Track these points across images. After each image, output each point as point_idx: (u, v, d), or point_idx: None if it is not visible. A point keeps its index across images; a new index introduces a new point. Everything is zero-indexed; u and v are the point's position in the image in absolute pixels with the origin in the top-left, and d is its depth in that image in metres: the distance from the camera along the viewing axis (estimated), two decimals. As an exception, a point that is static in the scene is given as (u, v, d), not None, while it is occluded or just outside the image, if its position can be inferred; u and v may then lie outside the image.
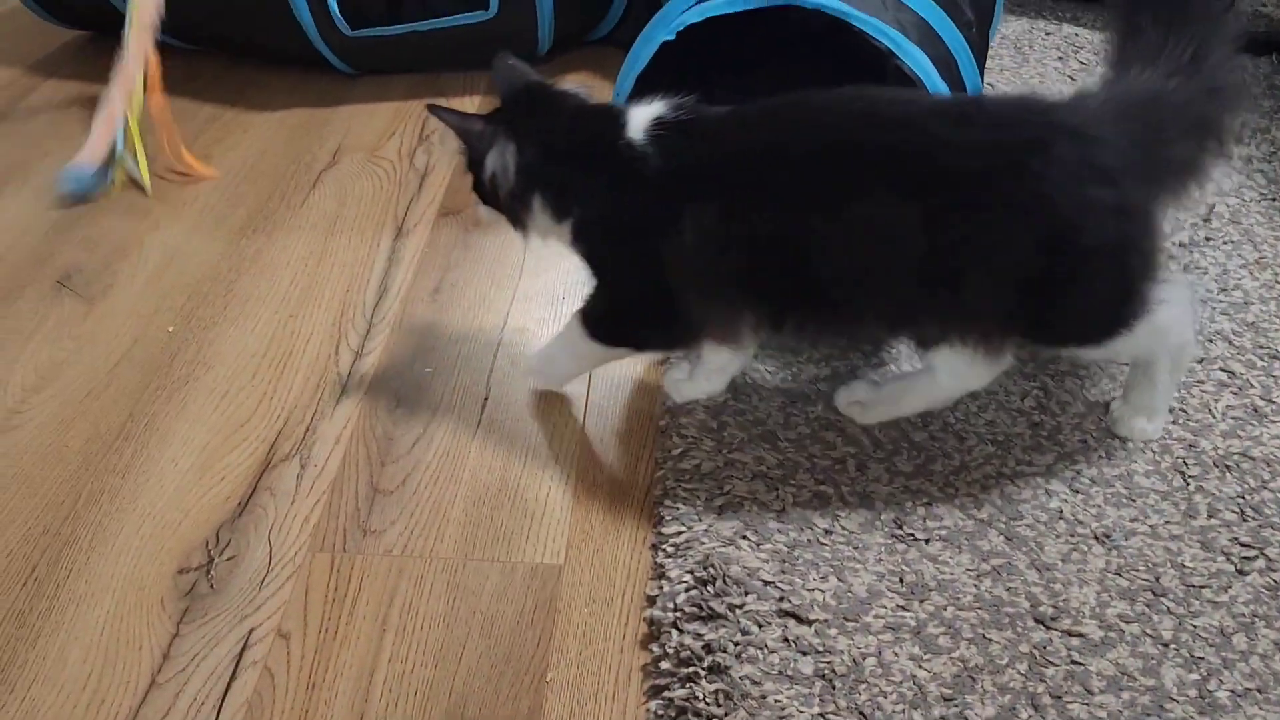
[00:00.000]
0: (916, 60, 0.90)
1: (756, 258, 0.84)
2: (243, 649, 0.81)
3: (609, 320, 0.95)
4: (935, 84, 0.89)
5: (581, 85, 0.93)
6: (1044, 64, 1.60)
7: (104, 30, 1.67)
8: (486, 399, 1.04)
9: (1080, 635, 0.78)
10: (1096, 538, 0.86)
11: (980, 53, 1.06)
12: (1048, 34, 1.69)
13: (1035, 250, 0.78)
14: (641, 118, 0.86)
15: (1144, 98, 0.81)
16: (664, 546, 0.87)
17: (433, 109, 0.91)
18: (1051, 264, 0.78)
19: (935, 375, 0.91)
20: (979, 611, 0.80)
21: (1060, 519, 0.88)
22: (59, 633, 0.82)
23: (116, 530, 0.90)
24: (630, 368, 1.07)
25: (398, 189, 1.36)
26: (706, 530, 0.87)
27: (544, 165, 0.89)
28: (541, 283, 1.19)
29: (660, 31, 0.98)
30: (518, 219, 0.93)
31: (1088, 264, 0.79)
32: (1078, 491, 0.90)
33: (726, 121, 0.86)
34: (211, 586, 0.86)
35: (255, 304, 1.15)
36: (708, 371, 0.97)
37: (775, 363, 1.04)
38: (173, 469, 0.96)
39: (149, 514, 0.92)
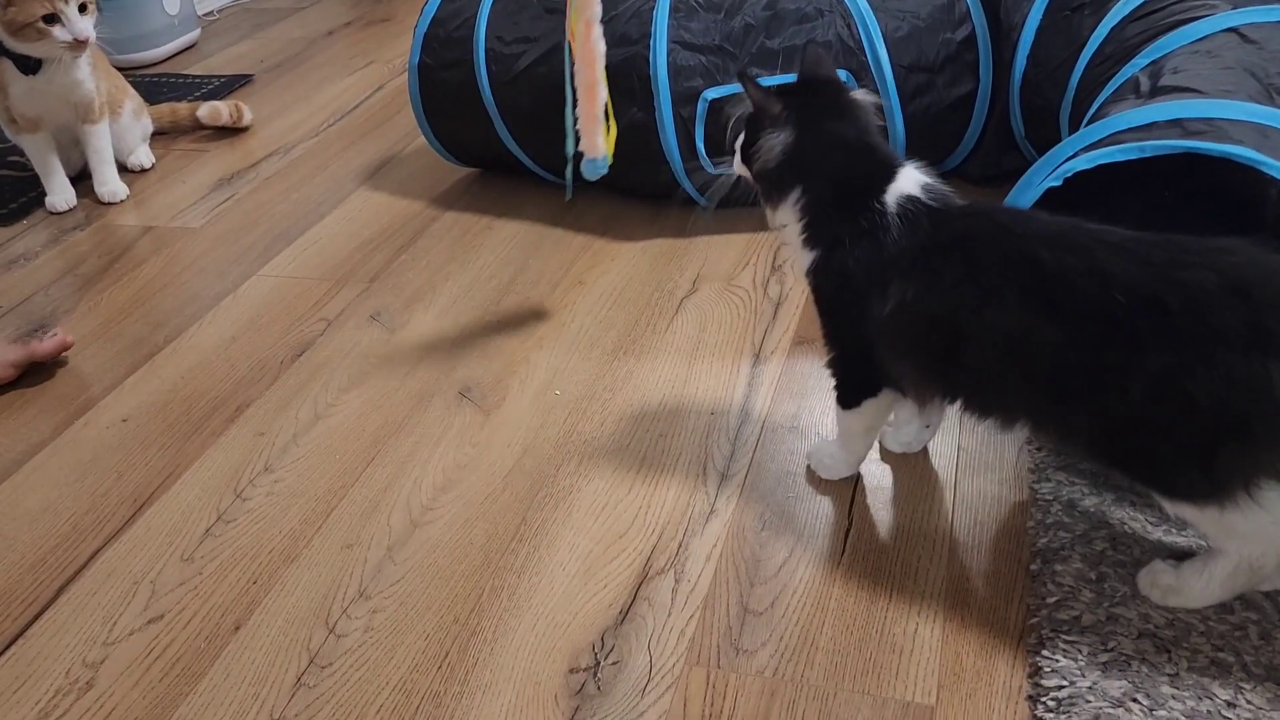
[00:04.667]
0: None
1: (935, 338, 0.92)
2: (629, 753, 0.86)
3: (839, 380, 1.06)
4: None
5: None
6: None
7: (492, 168, 1.90)
8: (849, 529, 1.06)
9: None
10: None
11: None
12: None
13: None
14: (902, 186, 0.95)
15: None
16: (1044, 700, 0.84)
17: (743, 76, 1.00)
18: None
19: (1223, 551, 0.88)
20: None
21: None
22: (469, 717, 0.91)
23: (515, 625, 0.99)
24: (993, 508, 1.07)
25: (753, 317, 1.44)
26: (1091, 688, 0.84)
27: (812, 195, 0.99)
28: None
29: (1044, 176, 0.99)
30: (768, 202, 1.03)
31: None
32: None
33: (958, 215, 0.94)
34: (599, 688, 0.92)
35: (629, 422, 1.25)
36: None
37: (1154, 514, 1.00)
38: (561, 572, 1.05)
39: (542, 613, 1.00)
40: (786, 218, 1.01)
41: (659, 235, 1.67)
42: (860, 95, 1.01)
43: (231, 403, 1.36)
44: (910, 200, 0.94)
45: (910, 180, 0.96)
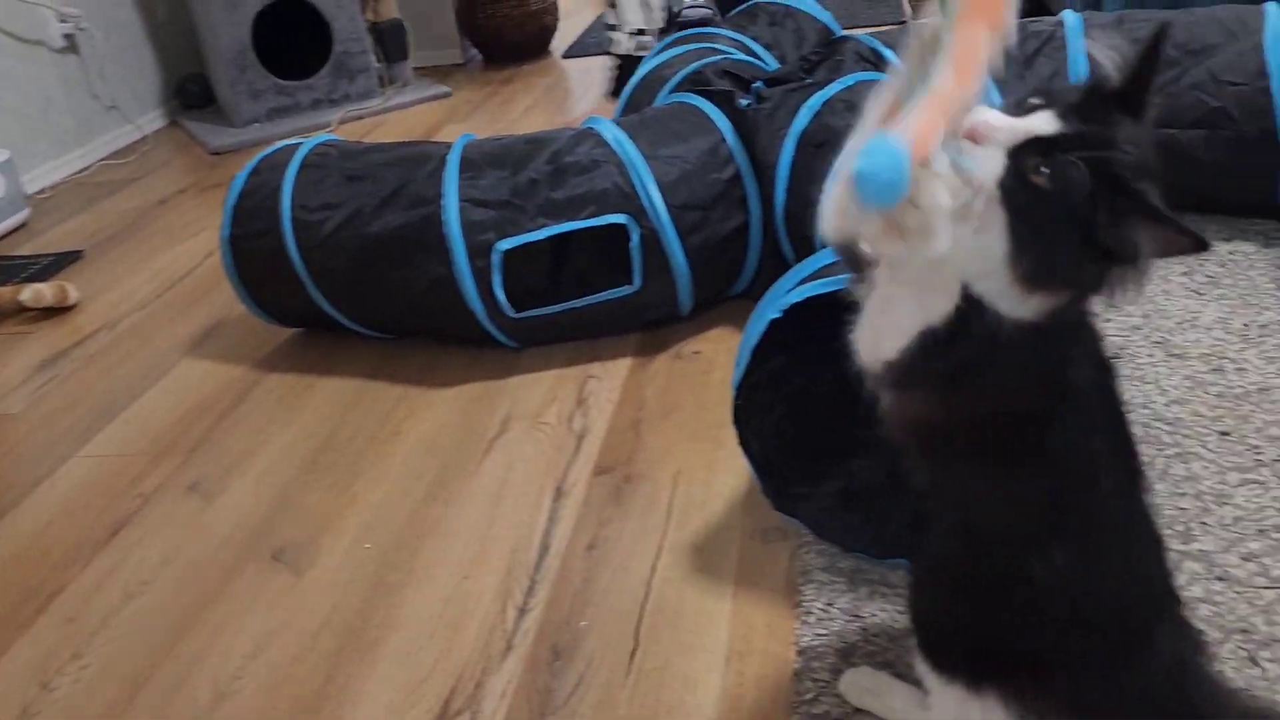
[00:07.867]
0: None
1: None
2: None
3: None
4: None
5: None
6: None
7: (315, 325, 1.96)
8: (635, 650, 1.13)
9: None
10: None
11: None
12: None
13: None
14: None
15: None
16: (799, 793, 0.92)
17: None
18: None
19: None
20: None
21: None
22: None
23: (315, 786, 1.02)
24: (766, 614, 1.15)
25: (557, 452, 1.52)
26: (838, 777, 0.92)
27: None
28: (687, 533, 1.29)
29: (769, 310, 1.11)
30: None
31: None
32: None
33: None
34: (393, 838, 0.96)
35: (436, 568, 1.30)
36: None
37: (903, 604, 1.10)
38: (363, 726, 1.09)
39: (342, 770, 1.04)
40: None
41: (474, 379, 1.75)
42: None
43: (44, 590, 1.37)
44: None
45: None
